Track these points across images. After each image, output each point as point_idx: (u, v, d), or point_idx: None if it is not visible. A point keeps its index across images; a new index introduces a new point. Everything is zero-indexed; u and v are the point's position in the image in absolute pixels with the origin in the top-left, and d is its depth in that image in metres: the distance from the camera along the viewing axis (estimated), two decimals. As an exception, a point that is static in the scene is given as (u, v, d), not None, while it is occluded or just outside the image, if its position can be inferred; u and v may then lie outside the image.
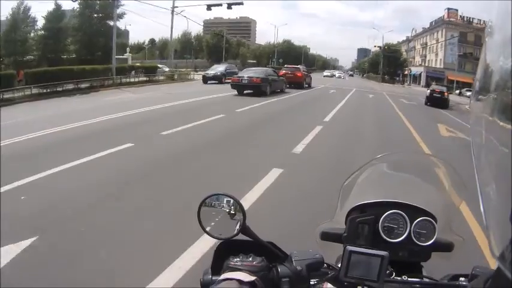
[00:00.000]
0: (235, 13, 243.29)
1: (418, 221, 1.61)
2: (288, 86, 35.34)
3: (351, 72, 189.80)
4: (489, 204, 0.80)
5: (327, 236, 1.75)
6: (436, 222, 1.62)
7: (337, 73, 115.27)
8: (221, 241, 1.43)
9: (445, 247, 1.69)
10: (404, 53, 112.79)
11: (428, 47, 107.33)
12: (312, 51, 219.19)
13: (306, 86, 41.69)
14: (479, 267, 1.35)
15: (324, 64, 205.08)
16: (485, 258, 3.85)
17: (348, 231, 1.66)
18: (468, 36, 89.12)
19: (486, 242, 0.79)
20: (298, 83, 38.70)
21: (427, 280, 1.51)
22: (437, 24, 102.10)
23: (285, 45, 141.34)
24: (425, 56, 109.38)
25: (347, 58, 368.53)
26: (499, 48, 0.81)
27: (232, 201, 1.42)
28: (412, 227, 1.61)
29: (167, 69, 53.82)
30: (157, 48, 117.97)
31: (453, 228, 1.73)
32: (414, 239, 1.61)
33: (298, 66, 43.65)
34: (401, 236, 1.61)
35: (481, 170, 0.84)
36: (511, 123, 0.73)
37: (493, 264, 0.99)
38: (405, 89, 75.45)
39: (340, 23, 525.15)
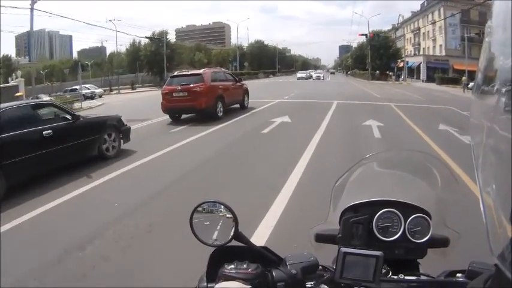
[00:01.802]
0: (208, 19, 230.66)
1: (412, 218, 1.60)
2: (177, 116, 19.78)
3: (332, 70, 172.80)
4: (489, 204, 0.81)
5: (321, 238, 1.73)
6: (430, 219, 1.62)
7: (314, 73, 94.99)
8: (215, 248, 1.42)
9: (440, 243, 1.68)
10: (396, 42, 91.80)
11: (422, 32, 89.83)
12: (294, 52, 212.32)
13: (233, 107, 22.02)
14: (476, 262, 1.37)
15: (303, 64, 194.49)
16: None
17: (342, 232, 1.63)
18: (471, 14, 72.82)
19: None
20: (198, 110, 18.84)
21: (424, 278, 1.50)
22: (431, 4, 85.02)
23: (255, 46, 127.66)
24: (419, 44, 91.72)
25: (329, 57, 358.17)
26: (499, 48, 0.82)
27: (224, 208, 1.44)
28: (407, 225, 1.60)
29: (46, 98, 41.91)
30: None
31: (448, 224, 1.72)
32: (409, 237, 1.59)
33: (200, 71, 20.15)
34: (396, 234, 1.59)
35: (481, 170, 0.86)
36: (511, 123, 0.74)
37: (490, 259, 0.89)
38: (409, 87, 55.80)
39: (321, 23, 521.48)
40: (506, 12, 0.76)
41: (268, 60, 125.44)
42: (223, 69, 25.61)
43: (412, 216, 1.59)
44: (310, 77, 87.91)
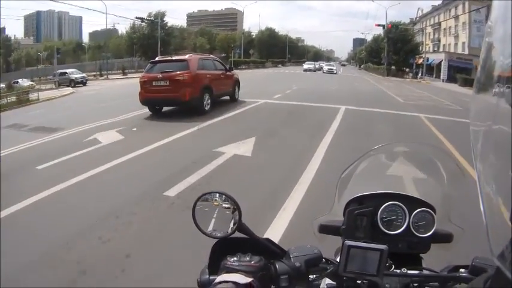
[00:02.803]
0: (220, 5, 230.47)
1: (416, 212, 1.61)
2: (157, 108, 17.22)
3: (344, 62, 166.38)
4: (489, 204, 0.82)
5: (325, 229, 1.74)
6: (435, 213, 1.63)
7: (326, 66, 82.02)
8: (217, 240, 1.42)
9: (444, 238, 1.69)
10: (417, 35, 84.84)
11: (443, 28, 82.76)
12: (308, 43, 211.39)
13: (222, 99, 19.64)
14: (479, 257, 1.38)
15: (315, 55, 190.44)
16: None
17: (347, 223, 1.65)
18: None
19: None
20: (181, 102, 16.24)
21: (427, 272, 1.51)
22: None
23: (265, 34, 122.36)
24: (439, 40, 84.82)
25: (343, 49, 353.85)
26: (498, 47, 0.83)
27: (227, 198, 1.43)
28: (411, 219, 1.61)
29: (27, 83, 47.00)
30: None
31: (452, 219, 1.73)
32: (413, 231, 1.61)
33: (186, 57, 16.96)
34: (400, 227, 1.61)
35: (481, 169, 0.86)
36: (511, 123, 0.75)
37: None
38: (430, 87, 48.84)
39: (337, 14, 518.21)
40: (506, 12, 0.78)
41: (278, 49, 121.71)
42: (211, 55, 21.65)
43: (417, 210, 1.60)
44: (320, 69, 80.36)
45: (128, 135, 12.55)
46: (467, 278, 1.35)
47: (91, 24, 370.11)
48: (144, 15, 73.02)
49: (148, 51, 70.81)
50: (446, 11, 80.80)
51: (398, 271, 1.43)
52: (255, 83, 34.54)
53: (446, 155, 1.78)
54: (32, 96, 29.97)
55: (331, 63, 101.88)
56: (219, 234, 1.40)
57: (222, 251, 1.35)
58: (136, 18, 69.23)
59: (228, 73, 19.52)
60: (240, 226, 1.38)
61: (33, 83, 50.70)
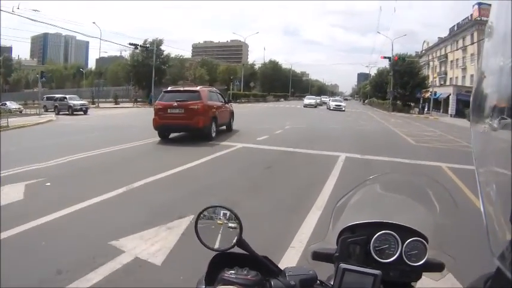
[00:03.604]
0: (226, 37, 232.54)
1: (409, 242, 1.62)
2: (166, 134, 19.13)
3: (348, 97, 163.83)
4: (489, 205, 0.83)
5: (318, 256, 1.75)
6: (427, 243, 1.64)
7: (332, 101, 69.68)
8: (217, 253, 1.45)
9: (435, 267, 1.70)
10: (423, 69, 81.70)
11: (450, 60, 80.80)
12: (313, 77, 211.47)
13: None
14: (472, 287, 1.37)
15: (319, 90, 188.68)
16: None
17: (340, 251, 1.67)
18: None
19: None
20: (195, 129, 18.14)
21: None
22: (462, 28, 76.21)
23: (269, 67, 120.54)
24: (446, 74, 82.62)
25: (347, 84, 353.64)
26: (498, 48, 0.84)
27: (229, 213, 1.48)
28: (404, 248, 1.62)
29: (15, 106, 46.31)
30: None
31: (444, 249, 1.74)
32: (405, 259, 1.61)
33: (197, 88, 19.65)
34: (393, 256, 1.61)
35: (481, 170, 0.88)
36: (511, 124, 0.76)
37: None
38: (439, 123, 45.66)
39: (342, 50, 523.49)
40: (507, 12, 0.78)
41: (281, 83, 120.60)
42: (214, 88, 23.92)
43: (409, 240, 1.61)
44: (321, 104, 76.67)
45: (29, 194, 8.97)
46: None
47: (101, 51, 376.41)
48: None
49: (143, 80, 68.62)
50: (453, 43, 78.76)
51: None
52: (245, 119, 31.18)
53: (440, 185, 1.76)
54: (3, 122, 26.26)
55: (338, 97, 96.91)
56: (219, 248, 1.42)
57: (221, 264, 1.37)
58: (130, 44, 65.63)
59: (226, 105, 21.71)
60: (240, 241, 1.41)
61: (21, 106, 48.26)
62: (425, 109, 68.49)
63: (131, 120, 31.88)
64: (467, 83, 69.89)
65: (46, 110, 43.71)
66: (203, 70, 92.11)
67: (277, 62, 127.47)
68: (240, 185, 10.47)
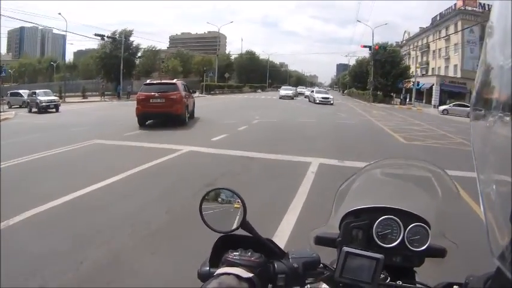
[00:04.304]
0: (203, 28, 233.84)
1: (411, 227, 1.62)
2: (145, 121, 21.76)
3: (327, 87, 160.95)
4: (489, 205, 0.83)
5: (320, 241, 1.76)
6: (429, 228, 1.64)
7: (317, 93, 59.97)
8: (221, 235, 1.44)
9: (438, 253, 1.70)
10: (405, 58, 79.01)
11: (432, 50, 78.87)
12: (292, 68, 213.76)
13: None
14: (473, 276, 1.34)
15: (298, 80, 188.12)
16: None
17: (342, 236, 1.68)
18: None
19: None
20: (174, 115, 21.28)
21: (421, 286, 1.54)
22: (446, 17, 74.07)
23: (245, 57, 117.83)
24: (428, 64, 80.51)
25: (327, 74, 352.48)
26: (499, 48, 0.83)
27: (234, 195, 1.47)
28: (406, 233, 1.62)
29: None
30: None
31: (446, 235, 1.73)
32: (408, 245, 1.62)
33: (174, 81, 24.16)
34: (395, 241, 1.62)
35: (481, 170, 0.87)
36: (511, 123, 0.76)
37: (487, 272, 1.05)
38: (423, 115, 42.75)
39: (320, 41, 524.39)
40: (506, 12, 0.78)
41: (259, 74, 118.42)
42: (181, 80, 27.52)
43: (412, 225, 1.62)
44: (297, 95, 71.30)
45: None
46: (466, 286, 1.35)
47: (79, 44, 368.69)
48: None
49: (111, 72, 64.80)
50: (436, 33, 76.60)
51: (393, 283, 1.47)
52: (210, 113, 29.19)
53: (442, 171, 1.74)
54: None
55: (322, 89, 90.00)
56: (223, 230, 1.41)
57: (224, 246, 1.38)
58: (96, 35, 61.86)
59: (191, 95, 25.05)
60: (244, 223, 1.40)
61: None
62: (407, 100, 66.48)
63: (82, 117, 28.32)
64: (451, 73, 68.68)
65: (10, 107, 40.35)
66: (176, 61, 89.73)
67: (255, 53, 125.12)
68: (135, 229, 6.55)
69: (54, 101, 37.61)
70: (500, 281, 0.85)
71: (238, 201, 1.45)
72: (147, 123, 21.13)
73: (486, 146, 0.85)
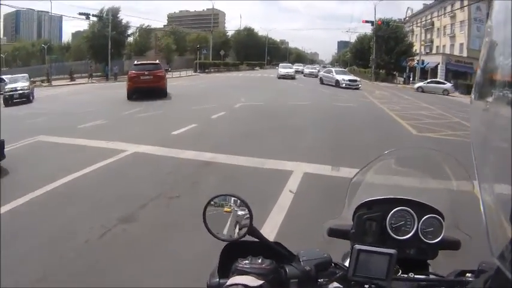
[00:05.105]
0: (202, 5, 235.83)
1: (425, 219, 1.62)
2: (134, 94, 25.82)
3: (327, 65, 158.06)
4: (489, 204, 0.83)
5: (334, 233, 1.76)
6: (443, 220, 1.64)
7: (306, 68, 70.16)
8: (228, 243, 1.43)
9: (452, 245, 1.69)
10: (409, 34, 75.57)
11: (436, 28, 75.04)
12: (293, 45, 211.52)
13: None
14: (485, 262, 1.33)
15: (298, 58, 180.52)
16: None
17: (356, 227, 1.67)
18: None
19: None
20: (160, 89, 26.34)
21: (435, 277, 1.52)
22: None
23: (243, 34, 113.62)
24: (432, 42, 76.59)
25: (327, 52, 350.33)
26: (499, 47, 0.84)
27: (239, 201, 1.44)
28: (420, 225, 1.62)
29: None
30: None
31: (460, 226, 1.71)
32: (421, 237, 1.61)
33: (157, 61, 30.34)
34: (409, 233, 1.62)
35: (481, 170, 0.88)
36: (511, 123, 0.76)
37: None
38: (434, 97, 39.05)
39: (320, 18, 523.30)
40: (506, 12, 0.79)
41: (258, 51, 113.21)
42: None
43: (426, 217, 1.60)
44: (295, 73, 60.96)
45: None
46: (469, 283, 1.35)
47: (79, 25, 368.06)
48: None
49: (100, 53, 60.56)
50: (441, 9, 72.81)
51: (405, 276, 1.45)
52: (189, 95, 27.96)
53: (457, 161, 1.70)
54: None
55: (316, 66, 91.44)
56: (230, 238, 1.39)
57: (232, 254, 1.35)
58: (80, 14, 58.03)
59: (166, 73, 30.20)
60: (251, 229, 1.37)
61: None
62: (411, 79, 63.16)
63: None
64: (456, 52, 65.81)
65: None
66: (170, 39, 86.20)
67: (253, 30, 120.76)
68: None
69: (26, 88, 28.98)
70: (500, 280, 0.86)
71: (244, 208, 1.40)
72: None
73: (486, 144, 0.86)
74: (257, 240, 1.39)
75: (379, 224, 1.62)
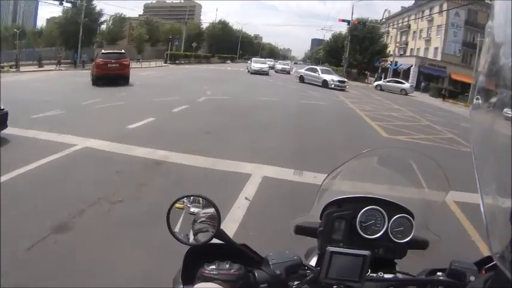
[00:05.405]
0: None
1: (396, 218, 1.60)
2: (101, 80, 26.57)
3: (299, 61, 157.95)
4: (489, 204, 0.83)
5: (301, 230, 1.71)
6: (413, 220, 1.63)
7: (278, 64, 68.14)
8: (191, 246, 1.37)
9: (420, 245, 1.69)
10: (384, 35, 75.84)
11: (413, 31, 76.47)
12: (267, 40, 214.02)
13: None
14: (457, 261, 1.40)
15: (271, 53, 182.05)
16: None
17: (324, 226, 1.64)
18: (480, 16, 61.48)
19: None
20: (125, 76, 27.91)
21: (406, 277, 1.51)
22: None
23: (217, 28, 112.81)
24: (407, 44, 77.81)
25: (301, 49, 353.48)
26: (498, 47, 0.83)
27: (206, 202, 1.39)
28: (390, 224, 1.60)
29: None
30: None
31: (430, 226, 1.71)
32: (391, 236, 1.60)
33: (122, 51, 30.84)
34: (379, 232, 1.60)
35: (481, 170, 0.88)
36: (511, 123, 0.78)
37: (471, 257, 1.19)
38: (405, 99, 38.94)
39: (297, 15, 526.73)
40: (507, 12, 0.79)
41: (231, 45, 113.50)
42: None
43: (396, 216, 1.59)
44: (267, 69, 57.13)
45: None
46: (445, 282, 1.37)
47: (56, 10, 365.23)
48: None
49: (70, 40, 59.17)
50: (419, 12, 73.56)
51: (374, 275, 1.43)
52: (154, 86, 27.15)
53: (433, 161, 1.67)
54: None
55: (287, 62, 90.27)
56: (196, 241, 1.32)
57: (197, 258, 1.30)
58: (54, -1, 56.58)
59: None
60: (219, 232, 1.32)
61: None
62: (382, 79, 61.50)
63: None
64: (431, 56, 67.00)
65: None
66: (143, 29, 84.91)
67: (228, 23, 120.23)
68: None
69: None
70: (500, 281, 0.86)
71: (211, 209, 1.33)
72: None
73: (486, 145, 0.86)
74: (223, 243, 1.33)
75: (348, 222, 1.58)
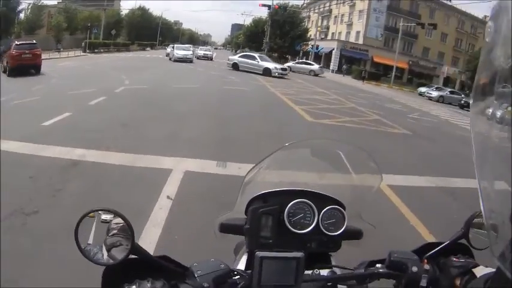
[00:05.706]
0: None
1: (326, 210, 1.54)
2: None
3: (219, 47, 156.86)
4: (489, 204, 0.83)
5: (226, 228, 1.64)
6: (345, 210, 1.58)
7: (200, 50, 62.19)
8: (107, 266, 1.22)
9: (354, 235, 1.65)
10: (305, 20, 77.19)
11: (334, 16, 78.57)
12: (187, 26, 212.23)
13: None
14: (396, 251, 1.36)
15: (190, 39, 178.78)
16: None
17: (250, 222, 1.53)
18: (402, 2, 67.29)
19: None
20: (38, 66, 28.38)
21: (344, 271, 1.50)
22: None
23: (137, 14, 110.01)
24: (328, 28, 79.58)
25: (221, 34, 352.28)
26: (498, 47, 0.83)
27: (117, 217, 1.23)
28: (320, 217, 1.54)
29: None
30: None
31: (364, 215, 1.67)
32: (323, 229, 1.54)
33: (33, 41, 32.13)
34: (309, 226, 1.52)
35: (481, 170, 0.87)
36: (511, 123, 0.78)
37: (408, 247, 1.24)
38: (325, 81, 39.91)
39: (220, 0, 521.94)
40: (507, 12, 0.79)
41: (151, 31, 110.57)
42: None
43: (326, 208, 1.53)
44: (181, 56, 52.25)
45: None
46: (386, 274, 1.34)
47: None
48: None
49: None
50: None
51: (310, 272, 1.38)
52: (70, 77, 25.01)
53: (360, 149, 1.65)
54: None
55: (208, 47, 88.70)
56: (110, 260, 1.17)
57: (116, 279, 1.18)
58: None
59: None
60: (134, 248, 1.18)
61: None
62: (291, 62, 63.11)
63: None
64: (352, 39, 69.61)
65: None
66: (61, 17, 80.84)
67: (148, 9, 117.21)
68: None
69: None
70: (500, 280, 0.85)
71: (121, 223, 1.19)
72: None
73: (486, 144, 0.85)
74: (141, 259, 1.20)
75: (276, 218, 1.48)
